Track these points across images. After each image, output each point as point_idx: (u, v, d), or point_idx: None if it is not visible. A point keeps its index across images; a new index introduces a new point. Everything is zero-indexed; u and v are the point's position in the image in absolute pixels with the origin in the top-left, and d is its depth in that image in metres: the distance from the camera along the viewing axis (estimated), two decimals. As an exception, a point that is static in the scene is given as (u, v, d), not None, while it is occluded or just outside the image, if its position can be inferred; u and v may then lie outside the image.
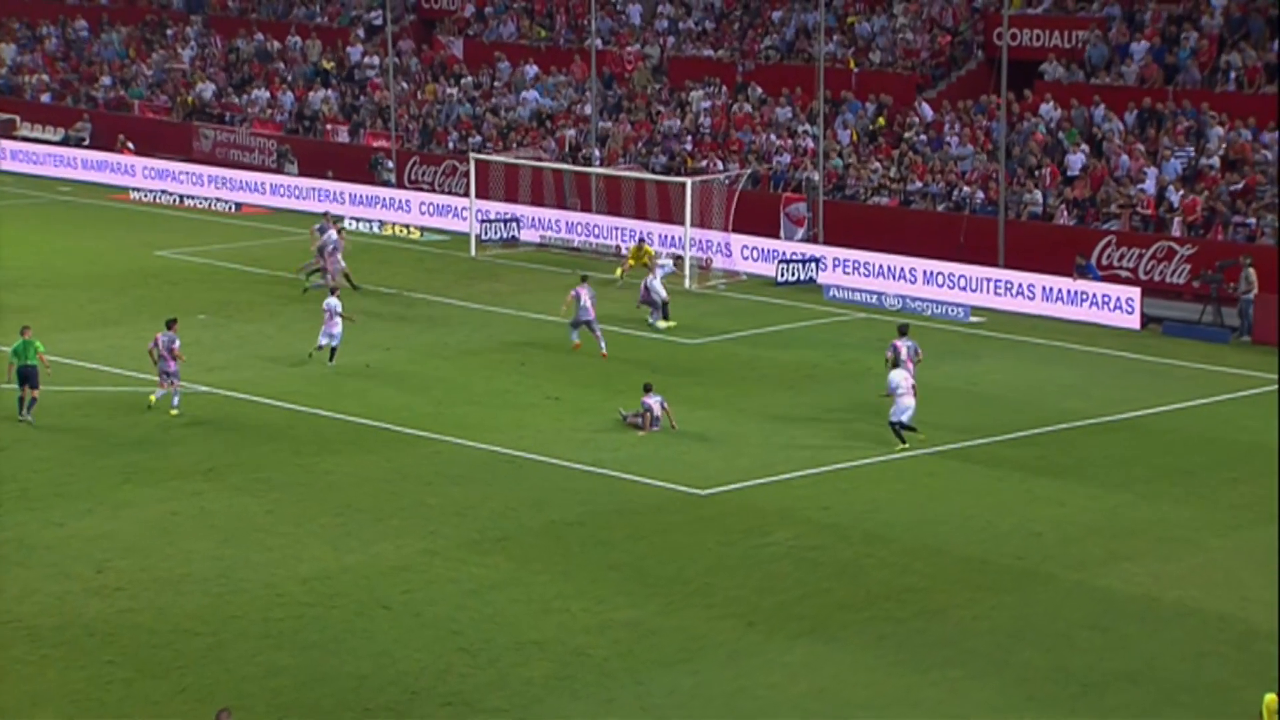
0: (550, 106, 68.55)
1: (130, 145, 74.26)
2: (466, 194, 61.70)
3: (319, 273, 52.10)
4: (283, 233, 62.50)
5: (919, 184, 58.00)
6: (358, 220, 62.94)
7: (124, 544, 32.34)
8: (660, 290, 49.43)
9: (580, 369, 44.81)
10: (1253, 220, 51.78)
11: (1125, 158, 55.07)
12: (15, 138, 77.70)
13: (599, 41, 67.62)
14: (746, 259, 56.57)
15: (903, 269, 53.47)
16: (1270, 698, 23.78)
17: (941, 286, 52.64)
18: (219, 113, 76.57)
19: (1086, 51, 60.25)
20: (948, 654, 27.97)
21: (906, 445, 37.95)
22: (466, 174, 62.18)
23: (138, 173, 71.64)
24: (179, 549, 32.12)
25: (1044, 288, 51.36)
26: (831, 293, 53.23)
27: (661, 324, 49.09)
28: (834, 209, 58.02)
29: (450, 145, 68.43)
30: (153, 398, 40.33)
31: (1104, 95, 57.98)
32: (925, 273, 53.09)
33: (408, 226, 62.84)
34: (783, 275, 54.56)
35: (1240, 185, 52.69)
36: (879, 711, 26.21)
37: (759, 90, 64.81)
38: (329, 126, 72.86)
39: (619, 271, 54.90)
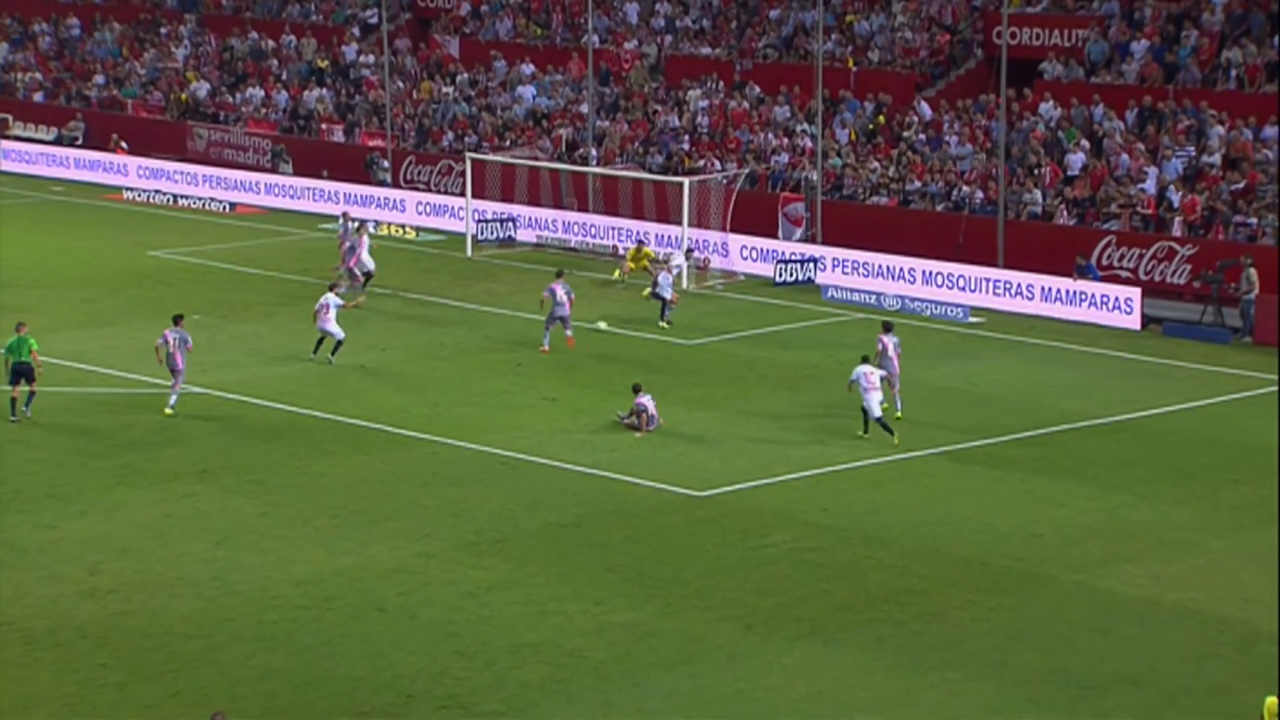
0: (547, 105, 68.39)
1: (124, 144, 74.09)
2: (462, 194, 61.51)
3: (353, 277, 51.83)
4: (277, 233, 62.37)
5: (918, 184, 57.84)
6: (352, 220, 62.62)
7: (117, 546, 32.19)
8: (668, 290, 49.16)
9: (577, 370, 44.66)
10: (1254, 220, 51.63)
11: (1125, 157, 54.91)
12: (8, 137, 77.51)
13: (596, 40, 67.45)
14: (745, 259, 56.40)
15: (902, 269, 53.31)
16: (1271, 700, 23.70)
17: (941, 287, 52.49)
18: (213, 112, 76.41)
19: (1086, 50, 60.12)
20: (947, 656, 27.87)
21: (870, 439, 38.39)
22: (462, 173, 62.00)
23: (131, 172, 71.47)
24: (173, 551, 31.98)
25: (1043, 288, 51.20)
26: (830, 293, 53.06)
27: (661, 323, 48.91)
28: (832, 209, 57.87)
29: (446, 144, 68.25)
30: (168, 410, 40.13)
31: (1104, 94, 57.85)
32: (924, 273, 52.94)
33: (403, 226, 62.65)
34: (781, 275, 54.41)
35: (1241, 185, 52.53)
36: (878, 714, 26.10)
37: (757, 89, 64.65)
38: (324, 126, 72.69)
39: (618, 273, 54.75)
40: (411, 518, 33.81)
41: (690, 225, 55.44)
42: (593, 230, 59.92)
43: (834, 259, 54.68)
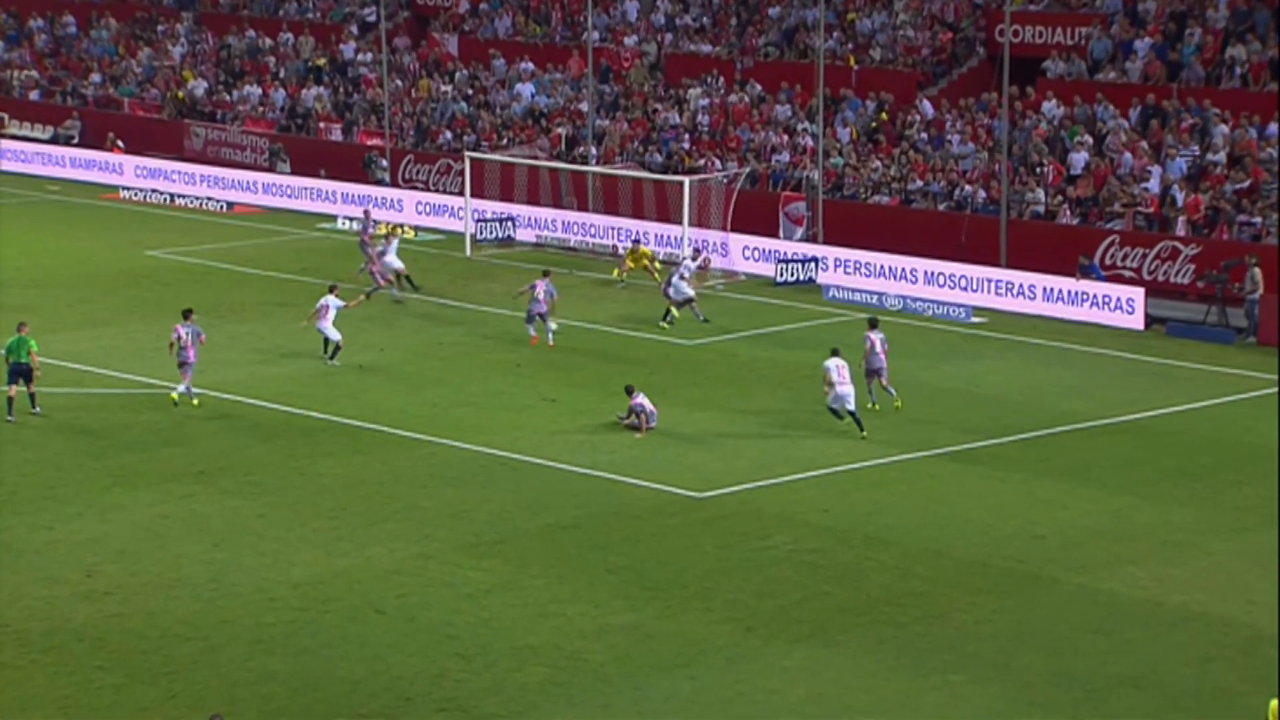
0: (546, 104, 68.24)
1: (120, 143, 73.94)
2: (461, 193, 61.35)
3: (374, 278, 51.72)
4: (275, 232, 62.27)
5: (920, 183, 57.68)
6: (350, 220, 62.47)
7: (114, 548, 32.10)
8: (685, 290, 48.89)
9: (577, 370, 44.54)
10: (1258, 219, 51.47)
11: (1129, 156, 54.76)
12: (3, 136, 77.41)
13: (595, 37, 67.31)
14: (746, 259, 56.26)
15: (903, 269, 53.16)
16: (1275, 703, 23.64)
17: (942, 286, 52.34)
18: (210, 110, 76.25)
19: (1089, 48, 59.97)
20: (949, 658, 27.77)
21: (865, 434, 38.43)
22: (461, 173, 61.84)
23: (128, 171, 71.33)
24: (169, 553, 31.88)
25: (1046, 288, 51.05)
26: (831, 293, 52.92)
27: (661, 323, 48.73)
28: (834, 208, 57.72)
29: (444, 143, 68.08)
30: (174, 395, 40.27)
31: (1107, 92, 57.72)
32: (926, 273, 52.78)
33: (402, 226, 62.45)
34: (782, 275, 54.27)
35: (1246, 184, 52.37)
36: (880, 716, 26.01)
37: (757, 88, 64.49)
38: (322, 124, 72.55)
39: (616, 273, 54.60)
40: (410, 519, 33.69)
41: (690, 225, 55.30)
42: (592, 230, 59.76)
43: (835, 259, 54.54)
